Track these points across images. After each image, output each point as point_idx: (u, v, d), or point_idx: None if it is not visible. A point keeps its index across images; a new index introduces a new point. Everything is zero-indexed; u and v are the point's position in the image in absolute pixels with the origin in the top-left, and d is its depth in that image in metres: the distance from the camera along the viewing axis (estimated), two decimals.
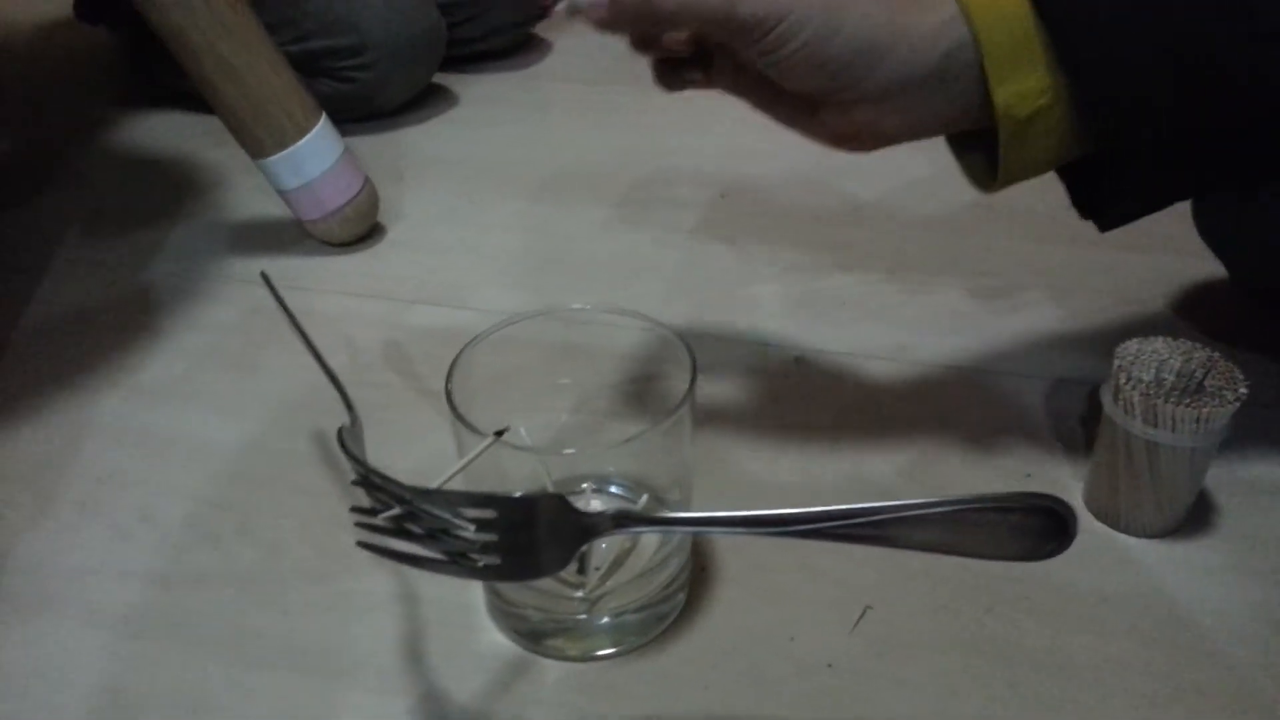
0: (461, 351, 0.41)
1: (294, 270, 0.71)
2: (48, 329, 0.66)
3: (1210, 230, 0.60)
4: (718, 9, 0.39)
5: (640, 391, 0.45)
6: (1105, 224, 0.44)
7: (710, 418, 0.56)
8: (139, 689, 0.42)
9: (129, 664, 0.43)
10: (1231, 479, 0.50)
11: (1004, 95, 0.38)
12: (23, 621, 0.45)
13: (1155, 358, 0.45)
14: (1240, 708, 0.40)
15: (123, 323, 0.66)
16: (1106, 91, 0.38)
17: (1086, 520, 0.48)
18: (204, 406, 0.58)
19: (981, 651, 0.42)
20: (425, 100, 1.01)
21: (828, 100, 0.41)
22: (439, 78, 1.03)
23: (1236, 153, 0.40)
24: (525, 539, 0.33)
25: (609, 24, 0.40)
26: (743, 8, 0.38)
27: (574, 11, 0.40)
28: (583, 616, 0.42)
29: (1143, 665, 0.41)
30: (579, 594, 0.41)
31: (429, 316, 0.66)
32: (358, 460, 0.35)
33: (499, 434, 0.37)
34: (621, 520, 0.34)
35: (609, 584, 0.42)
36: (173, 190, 0.86)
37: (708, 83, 0.46)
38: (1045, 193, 0.80)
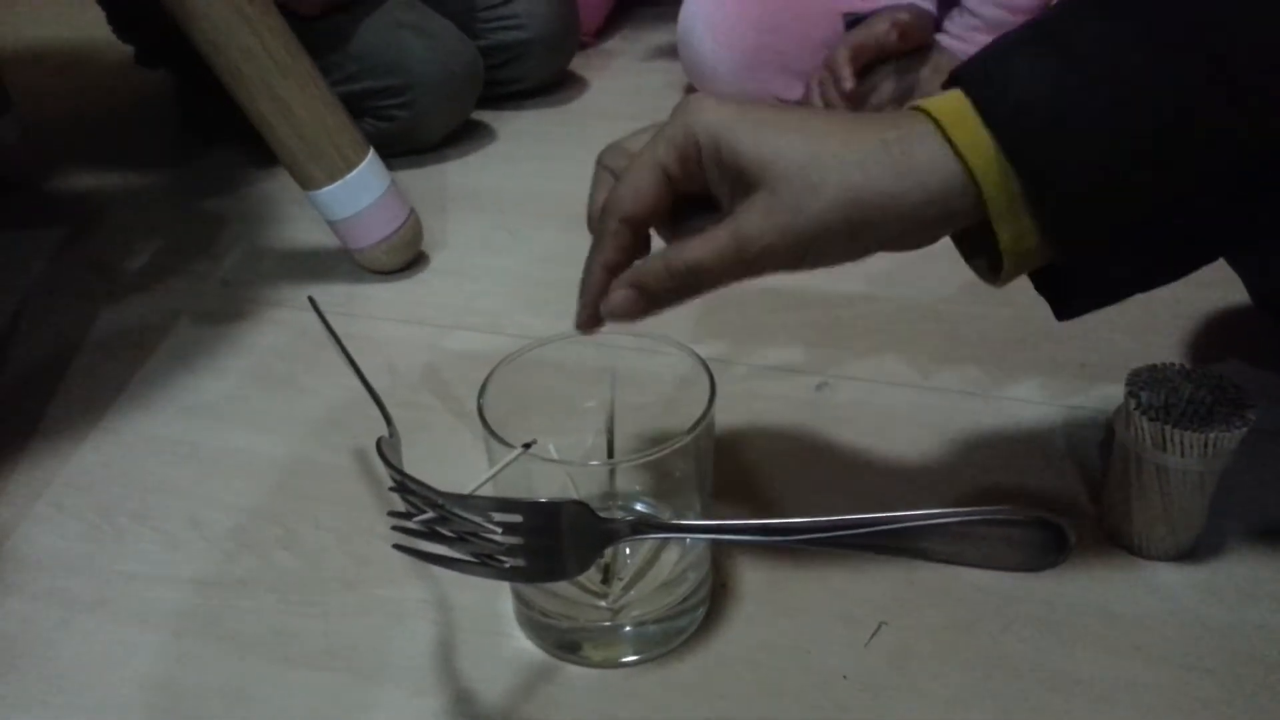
0: (493, 370, 0.44)
1: (341, 296, 0.75)
2: (108, 350, 0.70)
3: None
4: (749, 270, 0.39)
5: (664, 413, 0.47)
6: (1064, 315, 0.44)
7: (734, 441, 0.57)
8: (188, 684, 0.44)
9: (178, 661, 0.45)
10: (1244, 504, 0.51)
11: (1005, 235, 0.38)
12: (81, 621, 0.48)
13: (1165, 384, 0.46)
14: None
15: (178, 345, 0.70)
16: (1085, 238, 0.38)
17: (1101, 543, 0.49)
18: (251, 424, 0.61)
19: (996, 667, 0.43)
20: (466, 136, 1.04)
21: None
22: (479, 114, 1.07)
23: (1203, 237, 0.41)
24: (549, 542, 0.36)
25: (647, 313, 0.41)
26: (767, 265, 0.39)
27: (592, 326, 0.41)
28: (607, 624, 0.44)
29: (1151, 683, 0.42)
30: (603, 603, 0.43)
31: (468, 341, 0.69)
32: (394, 468, 0.37)
33: (527, 446, 0.39)
34: (640, 526, 0.36)
35: (632, 593, 0.44)
36: (228, 220, 0.90)
37: None
38: None
